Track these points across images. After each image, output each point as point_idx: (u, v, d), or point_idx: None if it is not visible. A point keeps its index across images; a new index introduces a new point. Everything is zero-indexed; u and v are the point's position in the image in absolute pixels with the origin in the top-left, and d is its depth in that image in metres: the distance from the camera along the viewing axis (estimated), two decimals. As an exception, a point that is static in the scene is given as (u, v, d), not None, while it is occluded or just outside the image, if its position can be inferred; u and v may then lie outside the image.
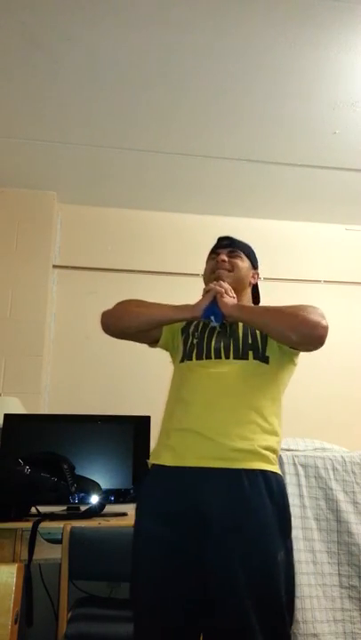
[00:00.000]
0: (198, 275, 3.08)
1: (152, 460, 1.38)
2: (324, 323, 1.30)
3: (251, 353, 1.38)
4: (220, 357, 1.38)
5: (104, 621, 1.84)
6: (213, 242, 1.62)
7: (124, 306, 1.48)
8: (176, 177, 2.97)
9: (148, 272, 3.16)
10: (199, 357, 1.40)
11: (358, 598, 1.95)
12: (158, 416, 2.50)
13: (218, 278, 1.49)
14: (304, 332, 1.30)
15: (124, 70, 2.21)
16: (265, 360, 1.38)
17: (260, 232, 3.23)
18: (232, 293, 1.43)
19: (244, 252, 1.57)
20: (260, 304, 1.61)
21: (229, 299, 1.41)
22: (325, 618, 1.91)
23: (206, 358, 1.38)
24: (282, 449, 2.09)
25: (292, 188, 3.04)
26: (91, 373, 2.95)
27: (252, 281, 1.59)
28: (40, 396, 2.81)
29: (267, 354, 1.39)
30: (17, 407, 2.53)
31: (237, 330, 1.42)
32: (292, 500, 1.95)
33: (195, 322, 1.48)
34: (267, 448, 1.31)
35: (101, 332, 3.40)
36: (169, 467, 1.31)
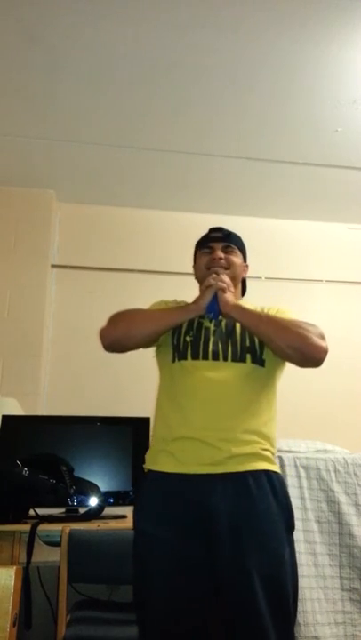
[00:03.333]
0: (198, 274, 3.08)
1: (149, 466, 1.35)
2: (325, 346, 1.31)
3: (249, 356, 1.35)
4: (218, 359, 1.35)
5: (103, 624, 1.84)
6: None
7: (126, 319, 1.42)
8: (176, 175, 2.95)
9: (149, 271, 3.14)
10: (195, 357, 1.36)
11: (360, 601, 1.94)
12: (158, 417, 2.50)
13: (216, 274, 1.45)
14: (306, 354, 1.31)
15: (124, 68, 2.20)
16: (262, 363, 1.37)
17: (261, 231, 3.21)
18: (232, 288, 1.42)
19: (237, 247, 1.54)
20: (247, 298, 1.58)
21: (230, 296, 1.39)
22: (326, 620, 1.90)
23: (203, 359, 1.35)
24: (283, 450, 2.08)
25: (293, 187, 3.03)
26: (90, 374, 2.93)
27: (244, 275, 1.57)
28: (38, 397, 2.80)
29: (263, 357, 1.37)
30: (15, 408, 2.51)
31: (235, 330, 1.39)
32: (294, 502, 1.93)
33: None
34: (266, 449, 1.33)
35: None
36: (169, 473, 1.29)
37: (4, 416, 2.40)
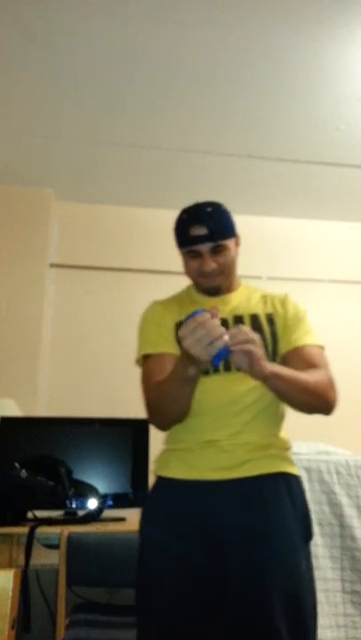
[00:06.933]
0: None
1: (159, 472, 1.29)
2: (336, 402, 1.29)
3: None
4: (230, 370, 1.25)
5: (102, 627, 1.83)
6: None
7: (154, 413, 1.28)
8: (176, 173, 2.93)
9: (147, 271, 3.12)
10: (205, 373, 1.23)
11: (361, 603, 1.92)
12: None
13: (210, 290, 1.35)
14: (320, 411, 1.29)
15: (122, 66, 2.18)
16: None
17: (263, 230, 3.19)
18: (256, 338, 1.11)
19: (224, 236, 1.35)
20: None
21: (262, 359, 1.11)
22: (328, 623, 1.88)
23: (214, 372, 1.26)
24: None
25: (294, 185, 3.01)
26: (88, 375, 2.91)
27: (239, 250, 1.42)
28: (36, 399, 2.78)
29: (277, 362, 1.32)
30: (12, 409, 2.49)
31: None
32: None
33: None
34: (285, 449, 1.29)
35: (99, 332, 3.34)
36: (181, 480, 1.23)
37: (1, 417, 2.38)
